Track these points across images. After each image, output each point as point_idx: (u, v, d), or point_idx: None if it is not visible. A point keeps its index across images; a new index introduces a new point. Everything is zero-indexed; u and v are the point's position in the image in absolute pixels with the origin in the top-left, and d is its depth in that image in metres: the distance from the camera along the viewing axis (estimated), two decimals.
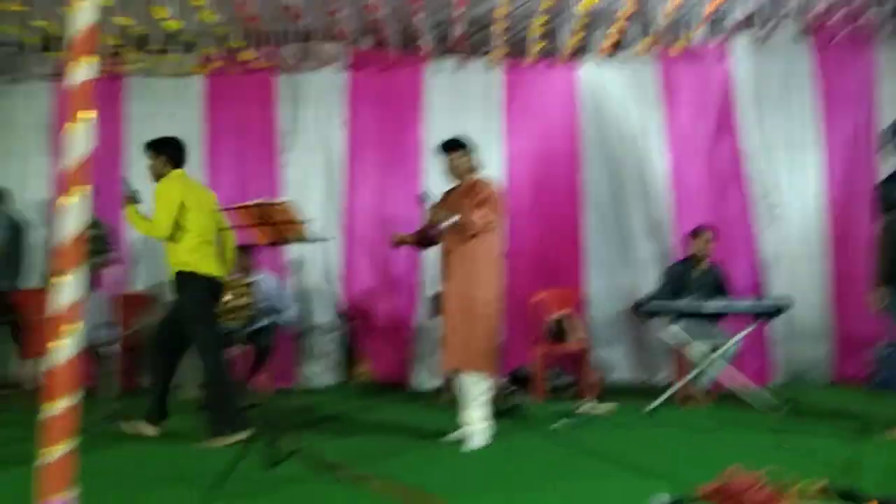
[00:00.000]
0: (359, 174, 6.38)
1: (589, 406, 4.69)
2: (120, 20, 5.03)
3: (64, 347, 2.18)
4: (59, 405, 2.16)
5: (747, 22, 5.79)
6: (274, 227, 2.86)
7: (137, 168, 5.49)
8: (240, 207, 2.94)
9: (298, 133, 6.42)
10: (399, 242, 4.01)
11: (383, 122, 6.42)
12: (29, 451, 2.23)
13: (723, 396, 4.96)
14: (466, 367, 3.67)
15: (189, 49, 6.12)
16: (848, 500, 2.40)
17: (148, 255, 6.37)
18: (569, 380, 5.55)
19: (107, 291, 5.67)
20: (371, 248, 6.33)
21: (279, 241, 3.01)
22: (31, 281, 6.07)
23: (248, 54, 5.97)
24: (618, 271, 6.18)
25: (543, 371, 5.39)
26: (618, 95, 6.32)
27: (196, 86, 6.45)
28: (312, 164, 6.39)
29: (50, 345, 2.17)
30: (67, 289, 2.20)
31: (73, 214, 2.23)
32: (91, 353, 5.46)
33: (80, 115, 2.30)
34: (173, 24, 5.11)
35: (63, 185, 2.24)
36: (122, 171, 6.32)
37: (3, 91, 6.61)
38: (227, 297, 5.03)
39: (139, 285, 6.28)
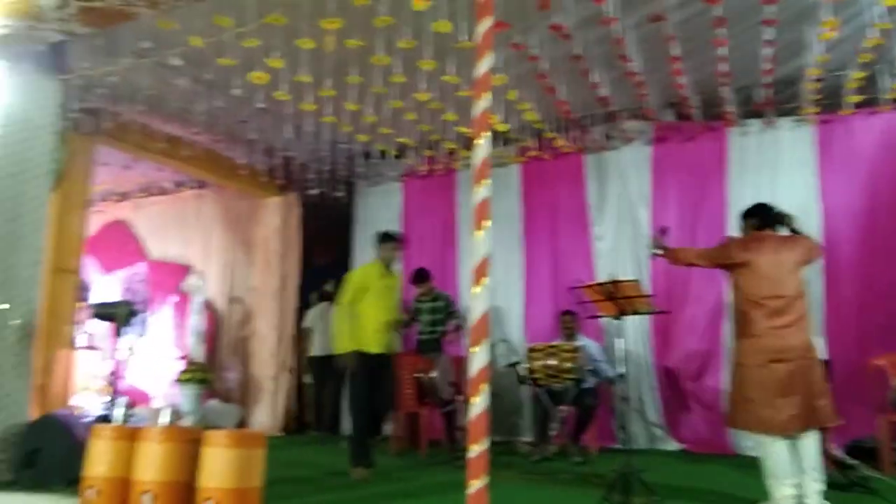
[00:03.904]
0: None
1: None
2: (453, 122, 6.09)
3: (478, 403, 2.84)
4: (477, 449, 2.81)
5: None
6: (623, 301, 3.31)
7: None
8: (590, 285, 3.46)
9: (606, 207, 6.94)
10: None
11: (688, 190, 6.64)
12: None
13: None
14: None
15: (508, 142, 7.05)
16: None
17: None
18: None
19: (448, 355, 6.62)
20: (680, 314, 6.47)
21: (626, 313, 3.46)
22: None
23: (560, 141, 6.69)
24: None
25: (890, 442, 5.01)
26: None
27: (514, 173, 7.39)
28: (621, 236, 6.83)
29: (468, 401, 2.86)
30: (477, 357, 2.88)
31: (480, 300, 2.92)
32: (441, 409, 6.41)
33: (481, 225, 3.00)
34: (502, 126, 6.02)
35: (472, 277, 2.96)
36: (457, 252, 7.48)
37: (364, 192, 8.26)
38: (555, 360, 5.61)
39: None
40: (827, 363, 5.05)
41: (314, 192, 7.68)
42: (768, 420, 3.60)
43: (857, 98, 5.89)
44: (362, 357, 4.88)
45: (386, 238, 5.20)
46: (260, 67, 4.80)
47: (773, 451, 3.60)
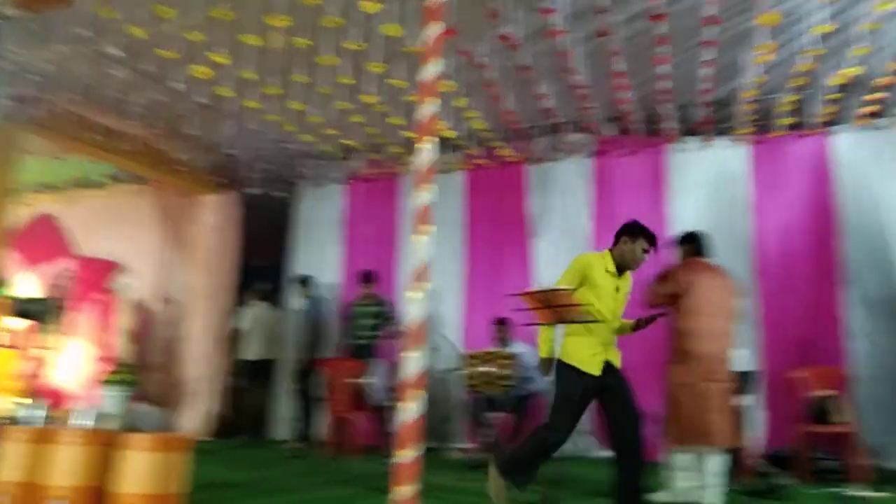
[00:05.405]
0: None
1: (861, 492, 4.45)
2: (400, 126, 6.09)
3: (411, 409, 2.81)
4: (407, 455, 2.78)
5: None
6: (557, 309, 3.35)
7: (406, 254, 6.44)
8: (527, 293, 3.49)
9: (548, 218, 7.02)
10: None
11: (629, 203, 6.78)
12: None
13: None
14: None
15: (454, 149, 7.06)
16: None
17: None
18: (835, 463, 5.28)
19: (386, 360, 6.57)
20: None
21: (560, 321, 3.49)
22: (328, 352, 7.26)
23: (505, 150, 6.75)
24: (884, 347, 5.79)
25: (807, 452, 5.20)
26: (876, 163, 6.09)
27: (459, 180, 7.41)
28: (561, 247, 6.91)
29: (400, 406, 2.83)
30: (413, 362, 2.85)
31: (418, 305, 2.90)
32: (376, 414, 6.36)
33: (422, 230, 2.98)
34: (449, 133, 6.03)
35: (411, 282, 2.94)
36: (397, 256, 7.42)
37: (307, 193, 8.14)
38: (493, 367, 5.63)
39: None
40: (753, 374, 5.25)
41: (255, 191, 7.52)
42: (703, 435, 3.87)
43: (788, 121, 6.14)
44: (578, 375, 3.55)
45: (634, 231, 3.64)
46: (203, 62, 4.68)
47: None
